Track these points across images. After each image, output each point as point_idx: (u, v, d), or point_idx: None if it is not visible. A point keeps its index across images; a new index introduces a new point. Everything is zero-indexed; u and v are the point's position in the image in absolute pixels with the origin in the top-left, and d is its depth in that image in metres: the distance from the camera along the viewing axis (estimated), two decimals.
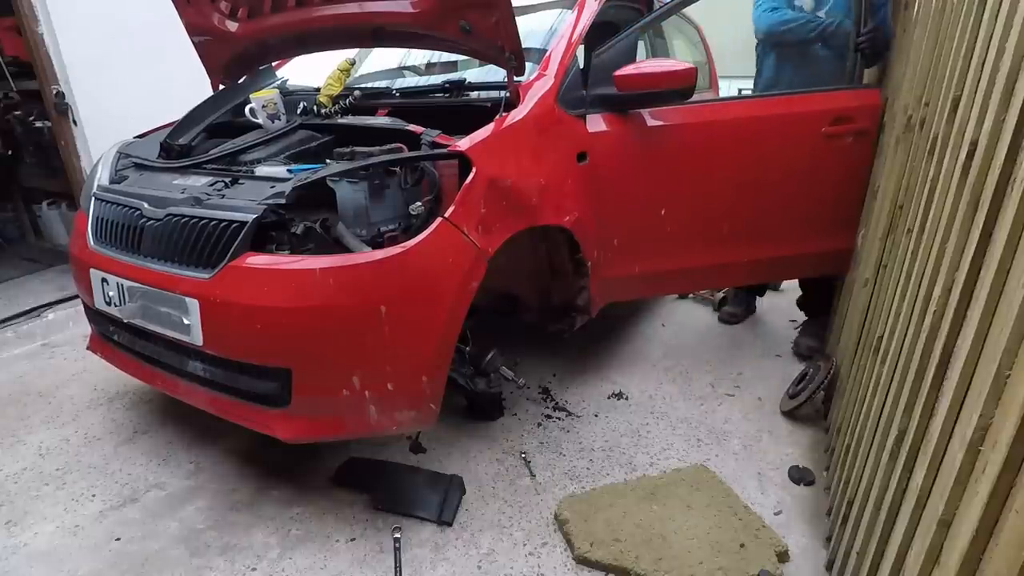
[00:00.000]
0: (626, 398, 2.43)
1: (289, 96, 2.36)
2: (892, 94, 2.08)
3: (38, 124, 3.80)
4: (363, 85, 2.45)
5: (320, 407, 1.69)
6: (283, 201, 1.64)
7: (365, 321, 1.57)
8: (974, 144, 1.02)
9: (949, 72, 1.31)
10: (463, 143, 1.71)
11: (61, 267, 3.72)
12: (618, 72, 2.06)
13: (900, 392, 1.25)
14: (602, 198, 2.20)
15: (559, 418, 2.31)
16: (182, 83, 2.82)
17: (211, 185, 1.85)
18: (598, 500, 1.82)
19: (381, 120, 2.04)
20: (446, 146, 1.72)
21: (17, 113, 3.90)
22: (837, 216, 2.37)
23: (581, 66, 2.18)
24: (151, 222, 1.79)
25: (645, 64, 2.14)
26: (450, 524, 1.79)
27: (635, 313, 3.18)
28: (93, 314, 2.10)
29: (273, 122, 2.18)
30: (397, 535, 1.72)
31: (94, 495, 1.93)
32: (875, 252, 1.88)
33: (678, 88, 2.03)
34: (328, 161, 1.76)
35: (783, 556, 1.65)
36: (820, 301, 2.78)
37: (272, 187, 1.73)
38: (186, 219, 1.72)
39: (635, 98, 2.12)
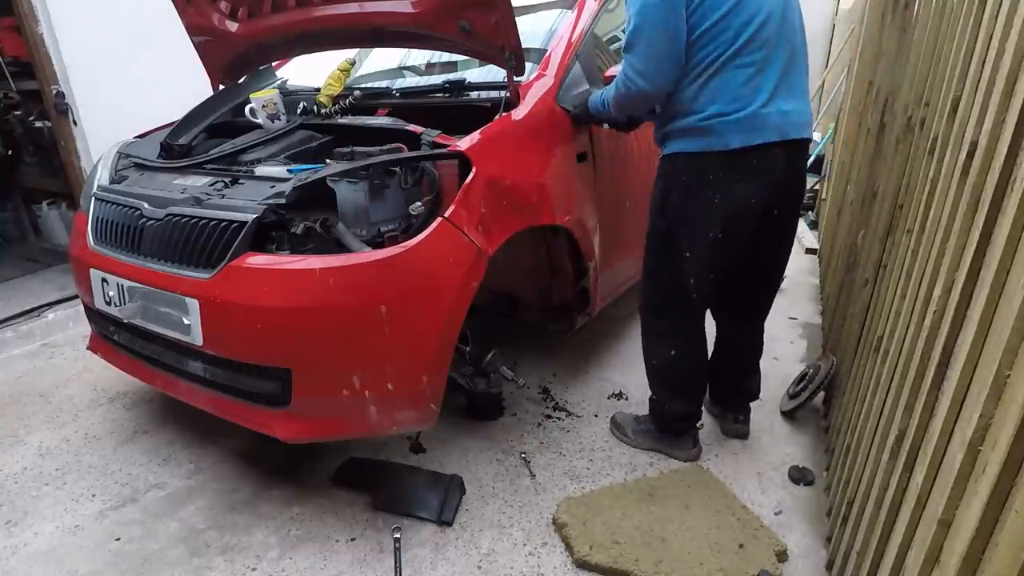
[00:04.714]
0: (626, 398, 2.43)
1: (289, 96, 2.36)
2: (892, 94, 2.08)
3: (38, 124, 3.80)
4: (363, 85, 2.45)
5: (320, 407, 1.69)
6: (283, 201, 1.64)
7: (365, 321, 1.57)
8: (974, 144, 1.02)
9: (949, 72, 1.31)
10: (463, 143, 1.71)
11: (61, 267, 3.72)
12: (609, 72, 2.11)
13: (900, 392, 1.25)
14: (602, 197, 2.22)
15: (559, 418, 2.31)
16: (182, 83, 2.82)
17: (211, 185, 1.85)
18: (596, 502, 1.82)
19: (381, 120, 2.04)
20: (446, 146, 1.72)
21: (17, 113, 3.90)
22: None
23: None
24: (151, 222, 1.79)
25: None
26: (450, 524, 1.79)
27: (635, 313, 3.17)
28: (93, 314, 2.10)
29: (273, 122, 2.18)
30: (397, 535, 1.72)
31: (94, 495, 1.93)
32: (875, 252, 1.88)
33: None
34: (328, 161, 1.76)
35: (782, 556, 1.65)
36: None
37: (272, 187, 1.73)
38: (186, 219, 1.72)
39: None
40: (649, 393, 2.14)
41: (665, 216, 1.82)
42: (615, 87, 1.76)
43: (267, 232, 1.67)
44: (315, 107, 2.27)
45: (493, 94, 2.02)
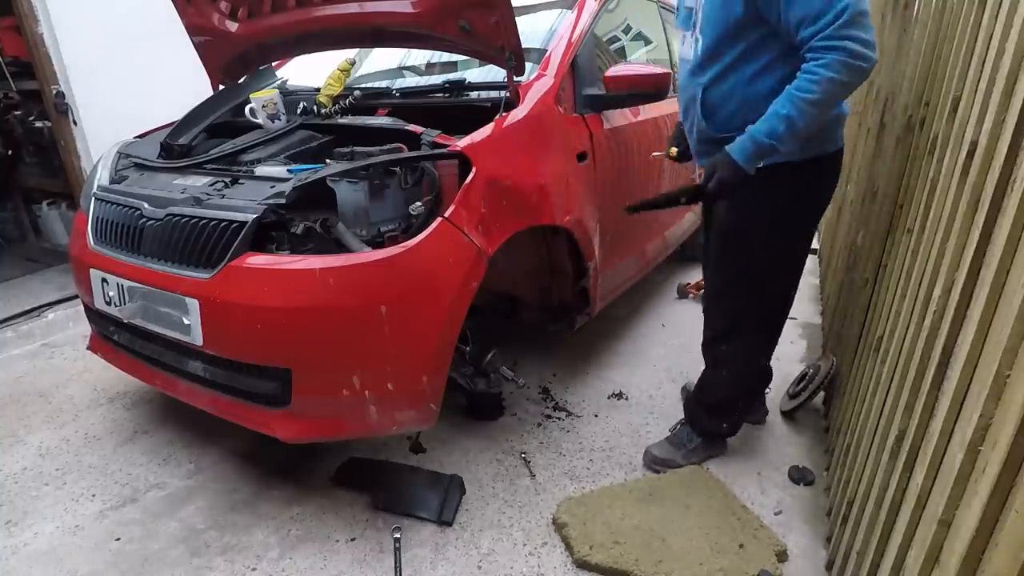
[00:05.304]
0: (626, 398, 2.43)
1: (289, 96, 2.36)
2: (892, 94, 2.08)
3: (38, 124, 3.80)
4: (363, 85, 2.45)
5: (320, 407, 1.69)
6: (283, 201, 1.64)
7: (365, 321, 1.57)
8: (974, 144, 1.02)
9: (949, 72, 1.31)
10: (463, 143, 1.71)
11: (61, 267, 3.72)
12: (608, 73, 2.12)
13: (900, 392, 1.25)
14: (602, 197, 2.22)
15: (559, 418, 2.30)
16: (182, 83, 2.82)
17: (211, 185, 1.85)
18: (596, 502, 1.82)
19: (381, 120, 2.04)
20: (446, 146, 1.72)
21: (17, 113, 3.91)
22: None
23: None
24: (151, 222, 1.79)
25: (631, 67, 2.23)
26: (450, 524, 1.79)
27: (635, 313, 3.18)
28: (93, 314, 2.10)
29: (273, 122, 2.18)
30: (397, 535, 1.72)
31: (94, 495, 1.93)
32: (875, 252, 1.88)
33: (659, 88, 2.17)
34: (328, 161, 1.76)
35: (782, 556, 1.65)
36: None
37: (272, 187, 1.73)
38: (186, 219, 1.72)
39: (622, 98, 2.21)
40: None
41: (794, 231, 1.77)
42: (830, 75, 1.38)
43: (267, 232, 1.67)
44: (315, 107, 2.27)
45: (493, 94, 2.02)
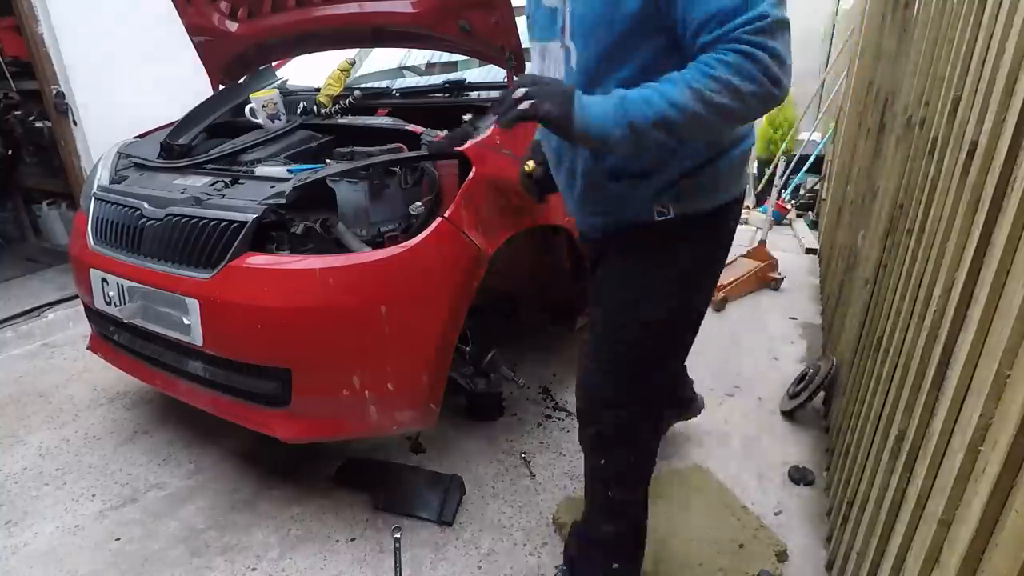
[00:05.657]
0: None
1: (289, 96, 2.36)
2: (892, 94, 2.08)
3: (38, 124, 3.79)
4: (363, 85, 2.45)
5: (320, 407, 1.69)
6: (283, 201, 1.64)
7: (365, 321, 1.57)
8: (974, 144, 1.02)
9: (949, 72, 1.31)
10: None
11: (61, 267, 3.72)
12: None
13: (900, 392, 1.25)
14: None
15: (559, 418, 2.30)
16: (182, 83, 2.82)
17: (211, 185, 1.85)
18: None
19: (381, 120, 2.04)
20: None
21: (17, 113, 3.90)
22: None
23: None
24: (151, 222, 1.80)
25: None
26: (450, 524, 1.79)
27: None
28: (93, 314, 2.10)
29: (273, 122, 2.18)
30: (397, 535, 1.72)
31: (94, 495, 1.93)
32: (875, 252, 1.88)
33: None
34: (328, 161, 1.76)
35: (782, 556, 1.65)
36: None
37: (272, 187, 1.73)
38: (186, 219, 1.72)
39: None
40: None
41: (703, 290, 1.37)
42: (730, 79, 0.95)
43: (267, 232, 1.67)
44: (315, 107, 2.27)
45: (493, 94, 2.02)
